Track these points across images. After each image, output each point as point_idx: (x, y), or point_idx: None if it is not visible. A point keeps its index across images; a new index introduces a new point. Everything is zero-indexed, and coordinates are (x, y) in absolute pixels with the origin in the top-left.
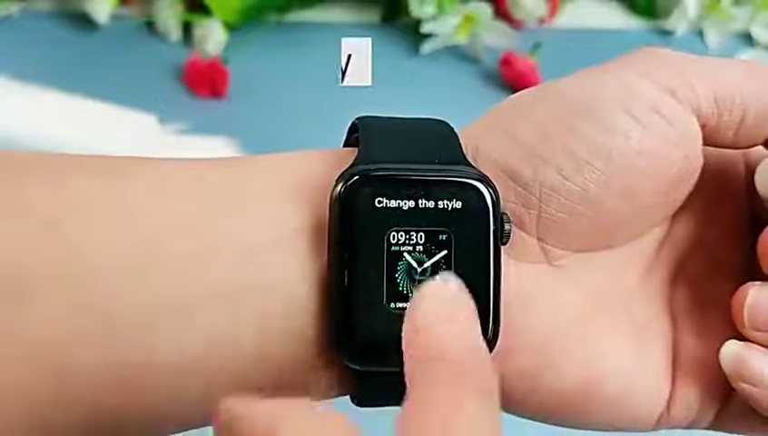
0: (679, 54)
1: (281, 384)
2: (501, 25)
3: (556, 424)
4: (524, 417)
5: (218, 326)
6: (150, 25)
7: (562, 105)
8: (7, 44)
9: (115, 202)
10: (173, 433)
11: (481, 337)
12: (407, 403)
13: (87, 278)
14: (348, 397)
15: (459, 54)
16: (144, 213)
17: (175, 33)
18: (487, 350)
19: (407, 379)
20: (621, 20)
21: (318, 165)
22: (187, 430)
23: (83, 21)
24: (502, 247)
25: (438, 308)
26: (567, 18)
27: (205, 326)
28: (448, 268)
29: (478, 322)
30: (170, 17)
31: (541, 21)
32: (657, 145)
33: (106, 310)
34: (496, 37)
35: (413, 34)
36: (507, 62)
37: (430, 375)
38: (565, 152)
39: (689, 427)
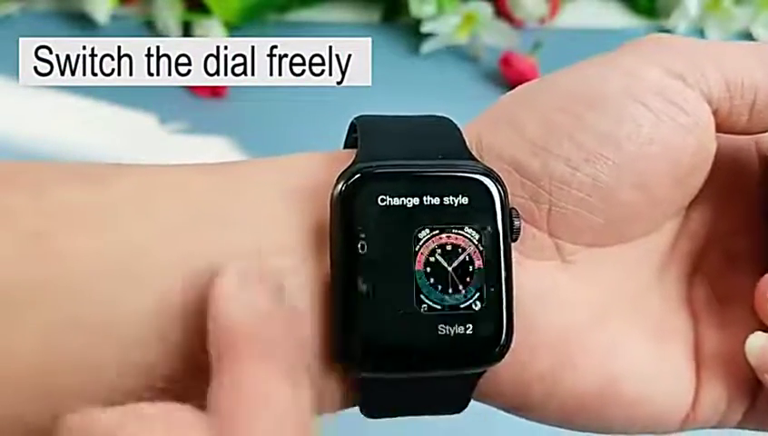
0: (685, 38)
1: None
2: (501, 25)
3: (577, 430)
4: (544, 423)
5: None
6: (150, 25)
7: (566, 96)
8: (7, 44)
9: (98, 209)
10: None
11: (283, 307)
12: (214, 382)
13: (74, 288)
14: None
15: (459, 54)
16: (131, 221)
17: (175, 32)
18: (291, 319)
19: (210, 352)
20: (621, 19)
21: (317, 167)
22: None
23: (83, 21)
24: (512, 244)
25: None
26: (567, 18)
27: (196, 339)
28: (457, 266)
29: (281, 290)
30: (170, 17)
31: (541, 21)
32: (670, 133)
33: (95, 321)
34: (496, 37)
35: (413, 33)
36: (506, 61)
37: (234, 351)
38: (572, 143)
39: (716, 427)
